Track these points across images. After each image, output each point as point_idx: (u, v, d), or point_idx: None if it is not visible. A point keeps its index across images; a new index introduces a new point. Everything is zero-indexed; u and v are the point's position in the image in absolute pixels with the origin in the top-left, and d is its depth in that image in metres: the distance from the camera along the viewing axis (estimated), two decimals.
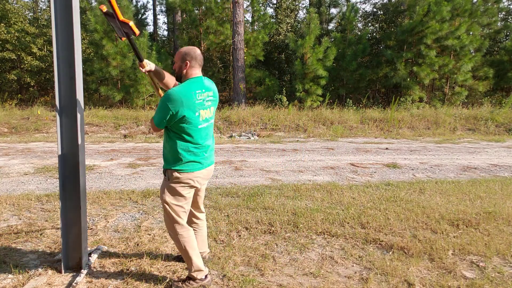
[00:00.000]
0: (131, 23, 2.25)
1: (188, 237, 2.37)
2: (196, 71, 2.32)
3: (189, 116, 2.20)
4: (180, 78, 2.36)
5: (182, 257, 2.47)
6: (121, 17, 2.26)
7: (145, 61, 2.38)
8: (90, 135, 10.26)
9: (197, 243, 2.51)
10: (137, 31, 2.28)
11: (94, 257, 2.78)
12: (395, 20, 17.73)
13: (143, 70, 2.39)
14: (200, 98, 2.26)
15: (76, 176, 2.54)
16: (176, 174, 2.29)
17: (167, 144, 2.32)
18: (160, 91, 2.54)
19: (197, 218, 2.69)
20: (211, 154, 2.47)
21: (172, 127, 2.26)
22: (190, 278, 2.43)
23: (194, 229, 2.65)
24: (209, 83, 2.41)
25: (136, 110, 12.58)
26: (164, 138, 2.37)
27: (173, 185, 2.31)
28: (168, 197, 2.33)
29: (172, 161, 2.30)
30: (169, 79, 2.54)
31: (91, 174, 5.57)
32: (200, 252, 2.64)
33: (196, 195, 2.57)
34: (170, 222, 2.37)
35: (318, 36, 14.10)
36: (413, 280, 2.57)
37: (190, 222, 2.62)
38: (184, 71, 2.30)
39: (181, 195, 2.33)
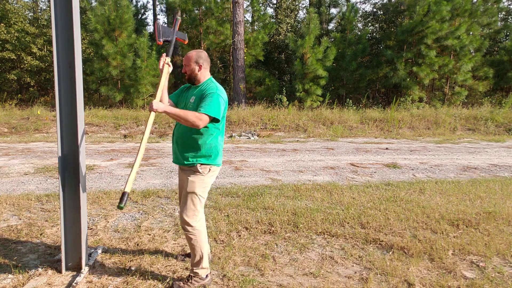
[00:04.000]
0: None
1: (203, 233, 2.43)
2: (208, 72, 2.50)
3: (226, 110, 2.43)
4: (193, 80, 2.45)
5: (192, 253, 2.43)
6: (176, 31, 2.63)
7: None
8: (90, 135, 10.26)
9: None
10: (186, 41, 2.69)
11: (94, 257, 2.78)
12: (395, 20, 17.74)
13: (168, 66, 2.45)
14: None
15: (76, 176, 2.54)
16: (211, 167, 2.42)
17: (204, 139, 2.36)
18: (159, 97, 2.49)
19: None
20: None
21: (217, 123, 2.38)
22: (192, 276, 2.43)
23: None
24: None
25: (136, 110, 12.58)
26: (199, 134, 2.35)
27: (208, 179, 2.43)
28: (200, 190, 2.39)
29: (207, 155, 2.39)
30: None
31: (91, 174, 5.57)
32: None
33: None
34: (194, 215, 2.38)
35: (318, 36, 14.10)
36: (413, 280, 2.57)
37: None
38: (199, 73, 2.43)
39: (208, 188, 2.47)
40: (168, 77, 2.51)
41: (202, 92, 2.36)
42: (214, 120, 2.31)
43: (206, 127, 2.33)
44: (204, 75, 2.44)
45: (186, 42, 2.53)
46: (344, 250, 3.06)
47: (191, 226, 2.37)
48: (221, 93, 2.36)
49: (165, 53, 2.48)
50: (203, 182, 2.40)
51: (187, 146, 2.39)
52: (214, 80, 2.47)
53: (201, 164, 2.38)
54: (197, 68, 2.40)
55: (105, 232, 3.35)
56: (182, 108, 2.41)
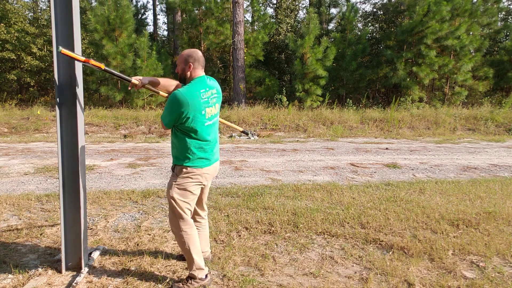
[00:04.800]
0: (91, 61, 2.34)
1: (191, 235, 2.40)
2: (199, 72, 2.41)
3: (195, 115, 2.29)
4: (184, 80, 2.43)
5: (184, 255, 2.48)
6: (80, 59, 2.32)
7: (133, 79, 2.45)
8: (90, 135, 10.26)
9: (199, 242, 2.53)
10: (102, 66, 2.40)
11: (94, 257, 2.78)
12: (395, 20, 17.74)
13: (137, 87, 2.47)
14: (205, 97, 2.35)
15: (76, 176, 2.54)
16: (185, 170, 2.37)
17: (176, 141, 2.38)
18: (161, 93, 2.56)
19: (201, 216, 2.72)
20: (217, 151, 2.56)
21: (180, 126, 2.33)
22: (190, 277, 2.43)
23: (197, 228, 2.66)
24: (212, 81, 2.49)
25: (136, 110, 12.58)
26: (173, 136, 2.41)
27: (181, 181, 2.38)
28: (176, 193, 2.36)
29: (182, 157, 2.37)
30: (167, 82, 2.58)
31: (91, 174, 5.57)
32: (203, 252, 2.66)
33: (201, 193, 2.60)
34: (175, 219, 2.39)
35: (317, 36, 14.09)
36: (413, 280, 2.57)
37: (193, 221, 2.63)
38: (188, 73, 2.38)
39: (188, 191, 2.39)
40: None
41: None
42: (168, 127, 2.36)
43: (177, 130, 2.36)
44: (194, 74, 2.39)
45: (103, 67, 2.42)
46: (344, 250, 3.06)
47: (178, 230, 2.40)
48: (176, 100, 2.21)
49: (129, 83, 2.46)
50: (178, 185, 2.37)
51: (172, 146, 2.47)
52: (198, 81, 2.36)
53: (176, 165, 2.42)
54: (186, 67, 2.37)
55: (105, 232, 3.35)
56: None
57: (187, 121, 2.28)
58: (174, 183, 2.38)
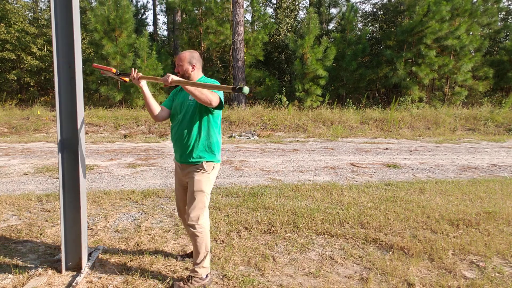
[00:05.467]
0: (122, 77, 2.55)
1: (208, 232, 2.45)
2: (201, 72, 2.54)
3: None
4: (186, 79, 2.45)
5: (196, 251, 2.43)
6: (113, 70, 2.53)
7: (170, 75, 2.33)
8: (90, 135, 10.26)
9: None
10: (126, 80, 2.56)
11: (94, 257, 2.78)
12: (395, 20, 17.75)
13: (135, 81, 2.47)
14: None
15: (76, 176, 2.54)
16: (215, 165, 2.48)
17: (202, 134, 2.40)
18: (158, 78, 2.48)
19: None
20: None
21: (215, 115, 2.42)
22: (192, 276, 2.43)
23: None
24: None
25: (136, 110, 12.58)
26: (194, 130, 2.39)
27: (213, 176, 2.48)
28: (208, 188, 2.44)
29: (210, 152, 2.44)
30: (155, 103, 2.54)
31: (91, 174, 5.57)
32: None
33: None
34: (200, 214, 2.40)
35: (317, 36, 14.10)
36: (413, 280, 2.57)
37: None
38: (192, 73, 2.46)
39: (212, 185, 2.50)
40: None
41: None
42: (219, 105, 2.33)
43: (208, 122, 2.40)
44: (198, 74, 2.50)
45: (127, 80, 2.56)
46: (344, 250, 3.06)
47: (199, 224, 2.39)
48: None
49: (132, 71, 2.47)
50: (209, 180, 2.45)
51: (190, 143, 2.41)
52: (204, 79, 2.50)
53: (206, 161, 2.43)
54: (190, 68, 2.44)
55: (105, 232, 3.35)
56: (180, 108, 2.45)
57: (219, 114, 2.46)
58: (207, 179, 2.43)
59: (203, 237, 2.39)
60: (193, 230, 2.38)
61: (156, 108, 2.51)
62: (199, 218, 2.39)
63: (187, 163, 2.44)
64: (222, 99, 2.34)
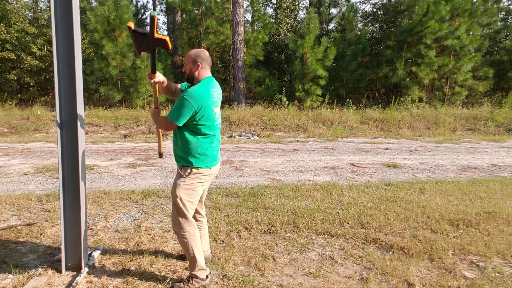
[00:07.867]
0: (167, 39, 2.31)
1: (194, 235, 2.41)
2: (207, 72, 2.43)
3: (209, 113, 2.34)
4: (191, 79, 2.43)
5: (185, 255, 2.48)
6: (156, 34, 2.29)
7: (157, 73, 2.40)
8: (90, 135, 10.26)
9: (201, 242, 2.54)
10: (170, 46, 2.36)
11: (94, 257, 2.78)
12: (395, 20, 17.73)
13: (152, 81, 2.40)
14: (215, 96, 2.39)
15: (76, 176, 2.54)
16: (196, 170, 2.39)
17: (185, 141, 2.37)
18: (155, 104, 2.51)
19: (201, 215, 2.73)
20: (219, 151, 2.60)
21: (193, 125, 2.34)
22: (191, 277, 2.43)
23: (198, 227, 2.66)
24: (216, 82, 2.53)
25: (136, 110, 12.57)
26: (179, 136, 2.40)
27: (190, 181, 2.39)
28: (183, 193, 2.37)
29: (191, 158, 2.37)
30: (170, 84, 2.56)
31: (91, 174, 5.57)
32: (203, 251, 2.66)
33: (202, 192, 2.61)
34: (179, 219, 2.39)
35: (317, 36, 14.09)
36: (413, 280, 2.57)
37: (194, 220, 2.63)
38: (196, 72, 2.39)
39: (194, 191, 2.41)
40: (162, 67, 2.56)
41: None
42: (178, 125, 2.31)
43: (187, 129, 2.34)
44: (202, 74, 2.40)
45: (169, 47, 2.34)
46: (344, 250, 3.06)
47: (181, 230, 2.39)
48: (192, 97, 2.23)
49: (150, 72, 2.38)
50: (186, 185, 2.38)
51: (174, 146, 2.46)
52: (209, 80, 2.40)
53: (183, 165, 2.41)
54: (194, 67, 2.37)
55: (105, 232, 3.35)
56: None
57: (201, 119, 2.30)
58: (182, 183, 2.37)
59: (187, 241, 2.38)
60: (176, 234, 2.44)
61: (172, 87, 2.57)
62: (177, 225, 2.40)
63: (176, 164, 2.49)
64: (176, 119, 2.26)
